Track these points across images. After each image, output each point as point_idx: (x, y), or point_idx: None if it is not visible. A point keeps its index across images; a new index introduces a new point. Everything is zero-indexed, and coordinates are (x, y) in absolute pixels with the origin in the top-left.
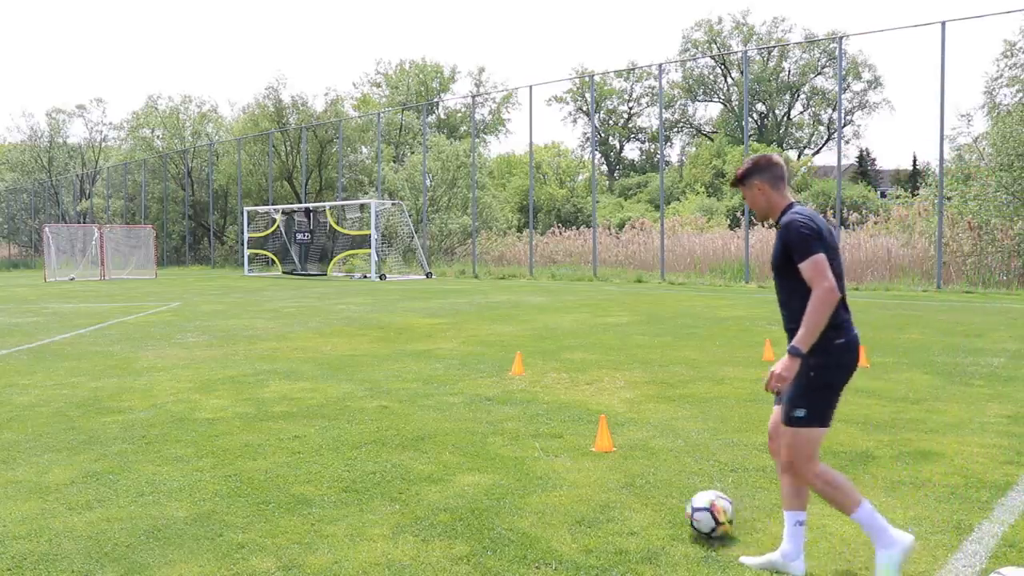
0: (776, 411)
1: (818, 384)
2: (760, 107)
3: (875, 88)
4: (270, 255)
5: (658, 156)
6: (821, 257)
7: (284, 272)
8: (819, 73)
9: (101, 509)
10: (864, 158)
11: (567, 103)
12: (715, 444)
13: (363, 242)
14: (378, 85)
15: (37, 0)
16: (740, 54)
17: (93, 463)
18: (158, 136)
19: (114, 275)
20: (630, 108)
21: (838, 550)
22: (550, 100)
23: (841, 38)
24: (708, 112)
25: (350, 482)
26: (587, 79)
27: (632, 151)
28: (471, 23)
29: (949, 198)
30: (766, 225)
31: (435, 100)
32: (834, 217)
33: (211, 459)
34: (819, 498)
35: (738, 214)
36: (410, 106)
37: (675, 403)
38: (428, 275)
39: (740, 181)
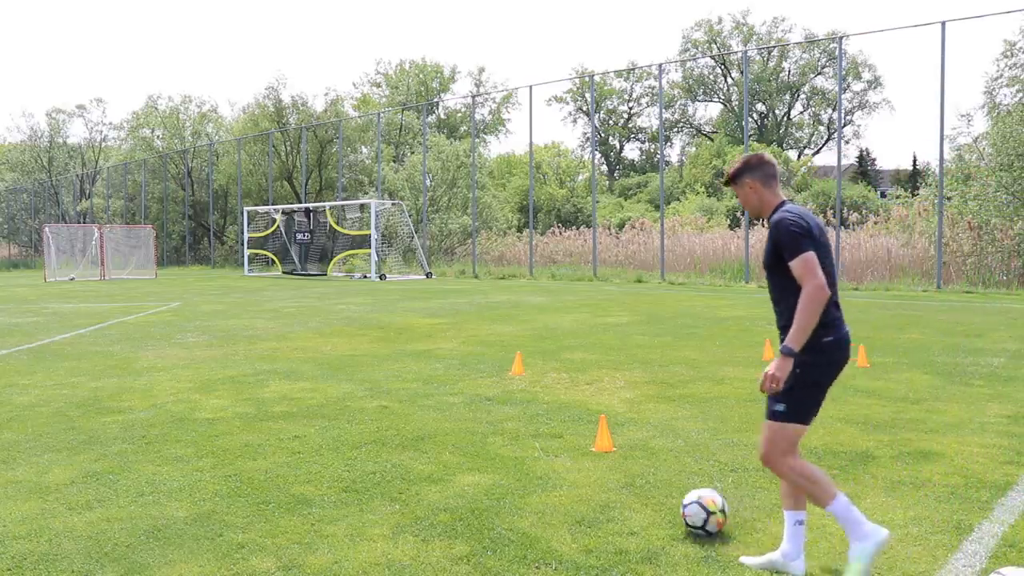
0: None
1: (804, 381)
2: (760, 107)
3: (875, 88)
4: (270, 255)
5: (658, 156)
6: (811, 255)
7: (284, 272)
8: (819, 73)
9: (101, 509)
10: (864, 158)
11: (567, 103)
12: (715, 444)
13: (363, 242)
14: (378, 85)
15: (37, 0)
16: (740, 54)
17: (93, 463)
18: (158, 136)
19: (114, 275)
20: (630, 108)
21: (838, 550)
22: (550, 100)
23: (841, 38)
24: (708, 112)
25: (350, 482)
26: (587, 79)
27: (632, 151)
28: (471, 23)
29: (949, 198)
30: (765, 225)
31: (435, 100)
32: (834, 217)
33: (211, 459)
34: None
35: (738, 214)
36: (410, 106)
37: (675, 403)
38: (428, 275)
39: (732, 180)
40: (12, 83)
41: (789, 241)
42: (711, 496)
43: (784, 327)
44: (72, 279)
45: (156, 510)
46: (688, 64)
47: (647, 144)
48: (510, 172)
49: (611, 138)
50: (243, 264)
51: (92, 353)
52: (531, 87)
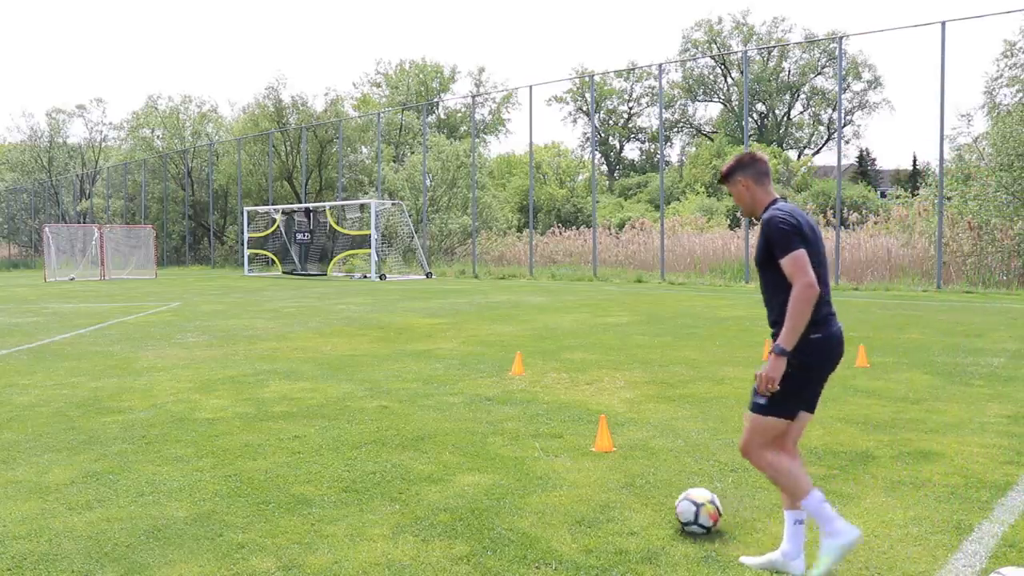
0: None
1: (787, 377)
2: (760, 107)
3: (875, 88)
4: (270, 255)
5: (658, 156)
6: (801, 253)
7: (284, 272)
8: (819, 73)
9: (101, 509)
10: (864, 158)
11: (567, 103)
12: (715, 444)
13: (363, 242)
14: (378, 85)
15: (37, 0)
16: (740, 54)
17: (93, 463)
18: (158, 136)
19: (114, 275)
20: (630, 108)
21: None
22: (550, 100)
23: (841, 38)
24: (708, 112)
25: (350, 482)
26: (587, 79)
27: (632, 151)
28: (471, 23)
29: (949, 198)
30: (754, 222)
31: (435, 100)
32: (834, 217)
33: (211, 459)
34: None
35: (738, 214)
36: (410, 106)
37: (675, 403)
38: (428, 275)
39: (725, 178)
40: (12, 83)
41: (780, 239)
42: (699, 492)
43: (775, 323)
44: (72, 279)
45: (156, 510)
46: (688, 64)
47: (647, 144)
48: (510, 172)
49: (611, 138)
50: (243, 264)
51: (92, 353)
52: (531, 87)
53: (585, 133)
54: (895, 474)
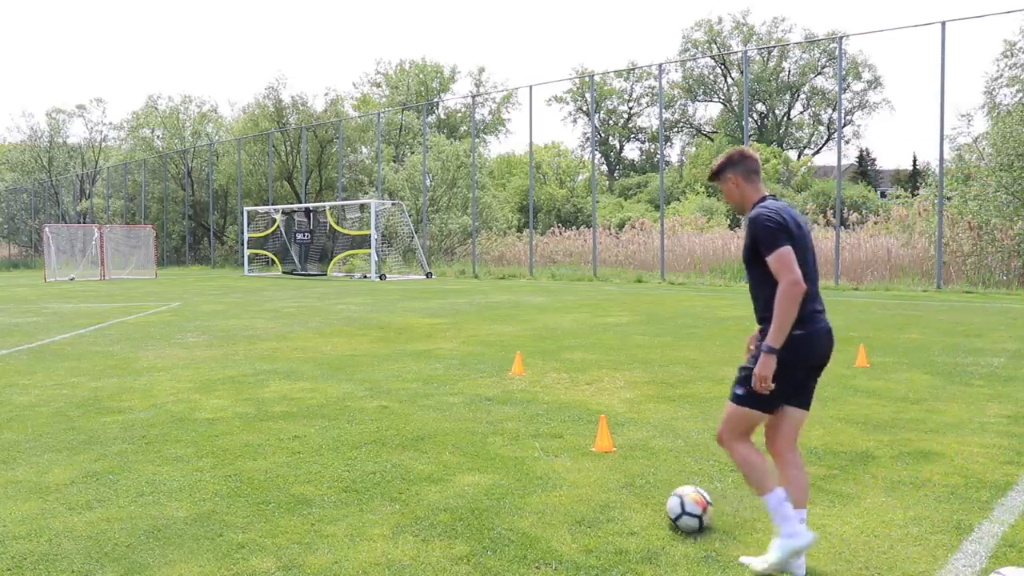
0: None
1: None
2: (760, 107)
3: (875, 88)
4: (270, 255)
5: (658, 156)
6: (787, 250)
7: (284, 272)
8: (819, 73)
9: (101, 509)
10: (864, 158)
11: (567, 103)
12: (715, 444)
13: (363, 242)
14: (378, 85)
15: (37, 0)
16: (740, 54)
17: (93, 463)
18: (158, 136)
19: (114, 275)
20: (630, 108)
21: (838, 550)
22: (550, 100)
23: (841, 38)
24: (708, 112)
25: (350, 482)
26: (587, 79)
27: (632, 151)
28: (471, 23)
29: (949, 198)
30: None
31: (435, 100)
32: (834, 217)
33: (211, 459)
34: (820, 499)
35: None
36: (410, 106)
37: (675, 403)
38: (428, 275)
39: (715, 175)
40: (12, 83)
41: (765, 236)
42: (684, 487)
43: (763, 319)
44: (72, 279)
45: (156, 510)
46: (688, 64)
47: (647, 144)
48: (510, 172)
49: (611, 138)
50: (243, 264)
51: (92, 353)
52: (531, 87)
53: (585, 133)
54: (895, 474)
